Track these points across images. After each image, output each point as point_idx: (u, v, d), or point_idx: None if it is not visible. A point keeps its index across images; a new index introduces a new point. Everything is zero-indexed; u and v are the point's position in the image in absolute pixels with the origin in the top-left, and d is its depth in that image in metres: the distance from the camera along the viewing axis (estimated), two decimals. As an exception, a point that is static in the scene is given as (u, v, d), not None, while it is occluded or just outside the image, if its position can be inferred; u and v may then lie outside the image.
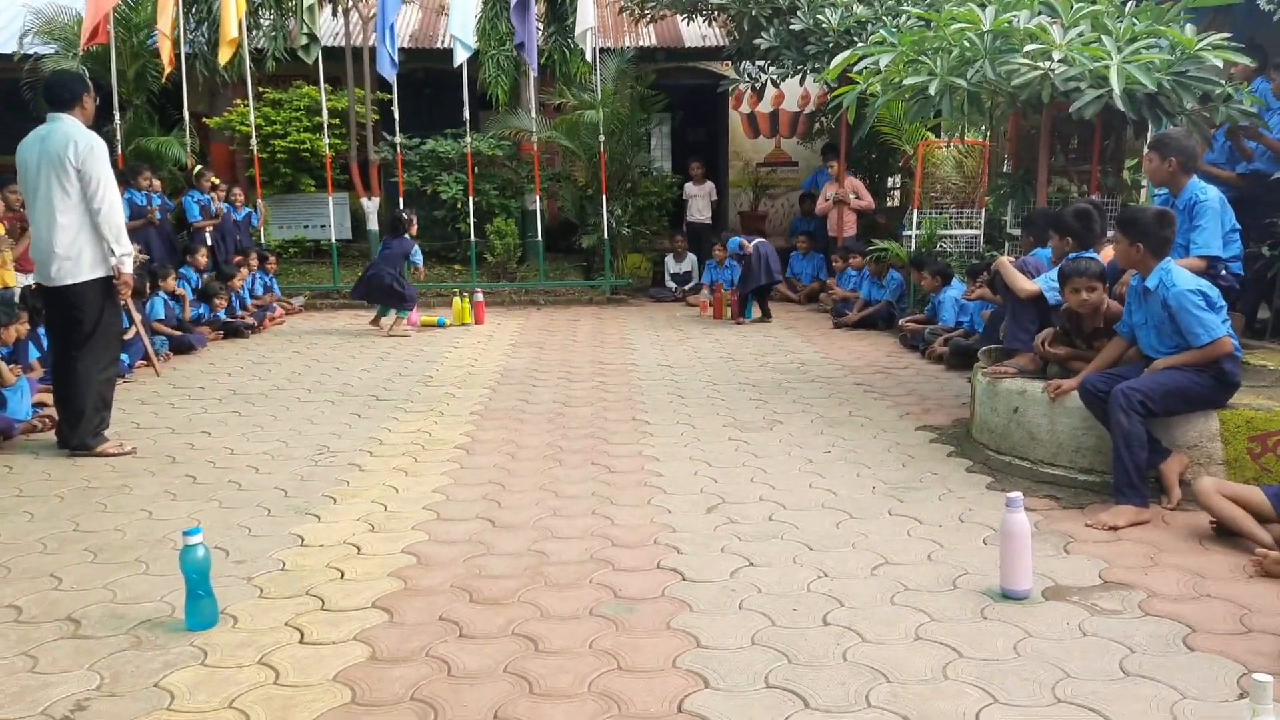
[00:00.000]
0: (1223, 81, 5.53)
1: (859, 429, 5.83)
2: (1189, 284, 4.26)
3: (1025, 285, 5.27)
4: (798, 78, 11.08)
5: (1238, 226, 4.95)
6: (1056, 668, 2.95)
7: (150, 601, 3.57)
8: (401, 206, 10.65)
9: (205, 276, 9.77)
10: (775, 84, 11.95)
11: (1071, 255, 4.92)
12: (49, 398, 6.47)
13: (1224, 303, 4.35)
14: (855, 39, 9.45)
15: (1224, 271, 4.82)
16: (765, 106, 15.07)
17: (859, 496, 4.60)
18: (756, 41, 10.77)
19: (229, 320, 9.82)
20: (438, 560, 3.93)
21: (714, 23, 12.94)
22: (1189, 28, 5.64)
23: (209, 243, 10.30)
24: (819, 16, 9.89)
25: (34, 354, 6.93)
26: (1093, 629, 3.21)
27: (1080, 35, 5.58)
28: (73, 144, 5.45)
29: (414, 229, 9.99)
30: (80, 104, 5.63)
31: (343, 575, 3.80)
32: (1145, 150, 4.96)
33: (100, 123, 9.34)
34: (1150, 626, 3.21)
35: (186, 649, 3.20)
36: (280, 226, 13.14)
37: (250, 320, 10.05)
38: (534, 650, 3.15)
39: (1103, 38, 5.41)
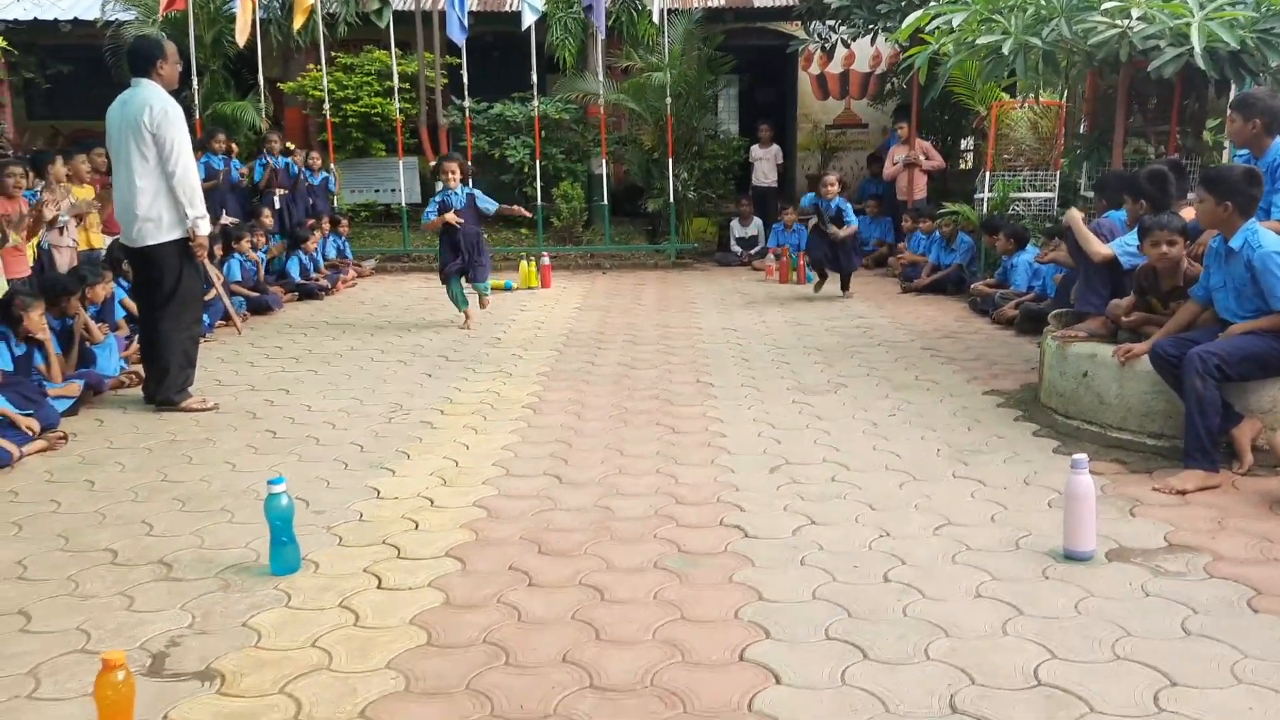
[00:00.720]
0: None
1: (925, 393, 5.82)
2: (1275, 245, 4.17)
3: (1098, 248, 5.20)
4: (869, 38, 10.92)
5: (1323, 189, 4.82)
6: (1117, 626, 2.97)
7: (236, 548, 3.75)
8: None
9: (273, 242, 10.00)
10: (845, 44, 11.79)
11: (1147, 217, 4.85)
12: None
13: (1305, 267, 4.25)
14: (928, -2, 9.28)
15: (1305, 236, 4.69)
16: (835, 67, 14.88)
17: (923, 459, 4.61)
18: (827, 0, 10.63)
19: (303, 282, 10.08)
20: (507, 514, 4.05)
21: (784, -18, 12.78)
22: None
23: (276, 205, 10.52)
24: (891, -26, 9.71)
25: (120, 313, 7.21)
26: (1155, 590, 3.21)
27: (1160, -9, 5.44)
28: (149, 109, 5.62)
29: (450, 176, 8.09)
30: (157, 69, 5.78)
31: (417, 526, 3.94)
32: (1228, 111, 4.82)
33: (178, 88, 9.58)
34: (1214, 589, 3.21)
35: (271, 592, 3.36)
36: (352, 190, 13.37)
37: (324, 282, 10.30)
38: (600, 600, 3.25)
39: (1183, -6, 5.27)
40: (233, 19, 12.06)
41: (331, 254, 11.20)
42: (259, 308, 9.00)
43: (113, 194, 5.99)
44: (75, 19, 13.86)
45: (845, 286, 9.29)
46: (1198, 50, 5.07)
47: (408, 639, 3.02)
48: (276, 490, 3.47)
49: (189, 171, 5.72)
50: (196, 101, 11.34)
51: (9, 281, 6.08)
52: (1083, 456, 3.44)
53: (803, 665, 2.80)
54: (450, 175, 8.02)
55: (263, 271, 9.51)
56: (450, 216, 7.89)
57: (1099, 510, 3.73)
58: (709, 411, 5.55)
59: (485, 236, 8.48)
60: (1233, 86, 5.47)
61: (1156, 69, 5.30)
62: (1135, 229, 5.00)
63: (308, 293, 9.98)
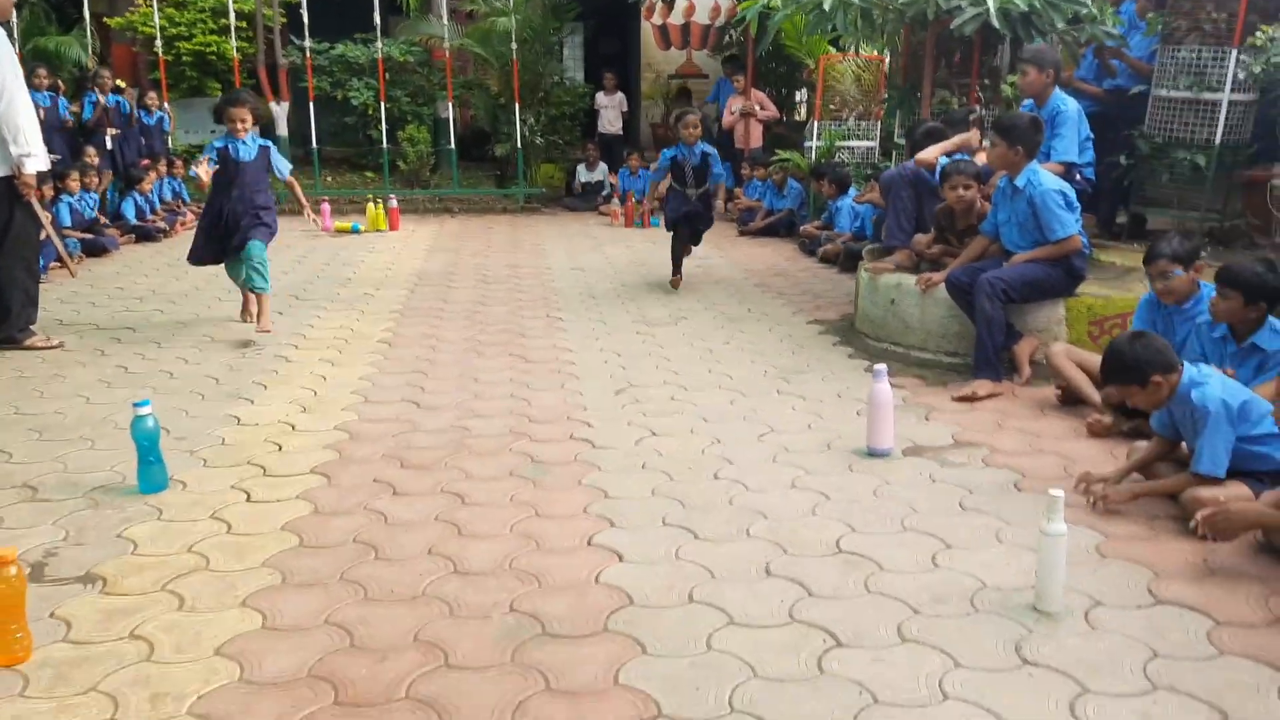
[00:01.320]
0: (1089, 3, 6.01)
1: (756, 324, 6.31)
2: (1053, 184, 4.78)
3: (925, 156, 5.67)
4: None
5: (1091, 136, 5.49)
6: (908, 506, 3.49)
7: (101, 471, 3.87)
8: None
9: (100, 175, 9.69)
10: (685, -4, 12.12)
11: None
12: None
13: (1079, 204, 4.89)
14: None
15: (1078, 177, 5.35)
16: (677, 19, 15.19)
17: (752, 379, 5.09)
18: (667, -48, 10.94)
19: (140, 224, 9.82)
20: (368, 435, 4.29)
21: (626, -69, 13.00)
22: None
23: (108, 145, 10.18)
24: (727, -72, 10.10)
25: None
26: (941, 477, 3.76)
27: (963, -44, 5.99)
28: None
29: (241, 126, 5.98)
30: None
31: (280, 448, 4.15)
32: (1020, 64, 5.41)
33: None
34: (989, 475, 3.78)
35: (142, 508, 3.53)
36: (186, 131, 12.95)
37: (161, 224, 10.06)
38: (461, 504, 3.57)
39: (982, -41, 5.83)
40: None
41: (168, 196, 10.91)
42: (95, 249, 8.76)
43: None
44: None
45: (696, 242, 7.43)
46: (993, 11, 5.65)
47: (281, 542, 3.26)
48: (143, 411, 3.62)
49: (11, 108, 5.55)
50: (15, 35, 10.75)
51: None
52: (882, 367, 3.95)
53: (642, 547, 3.20)
54: (240, 123, 5.83)
55: (99, 212, 9.23)
56: (203, 171, 5.67)
57: (900, 417, 4.30)
58: (558, 343, 5.88)
59: (274, 203, 6.22)
60: (1024, 44, 6.09)
61: (958, 26, 5.87)
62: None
63: (145, 234, 9.74)
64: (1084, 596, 2.86)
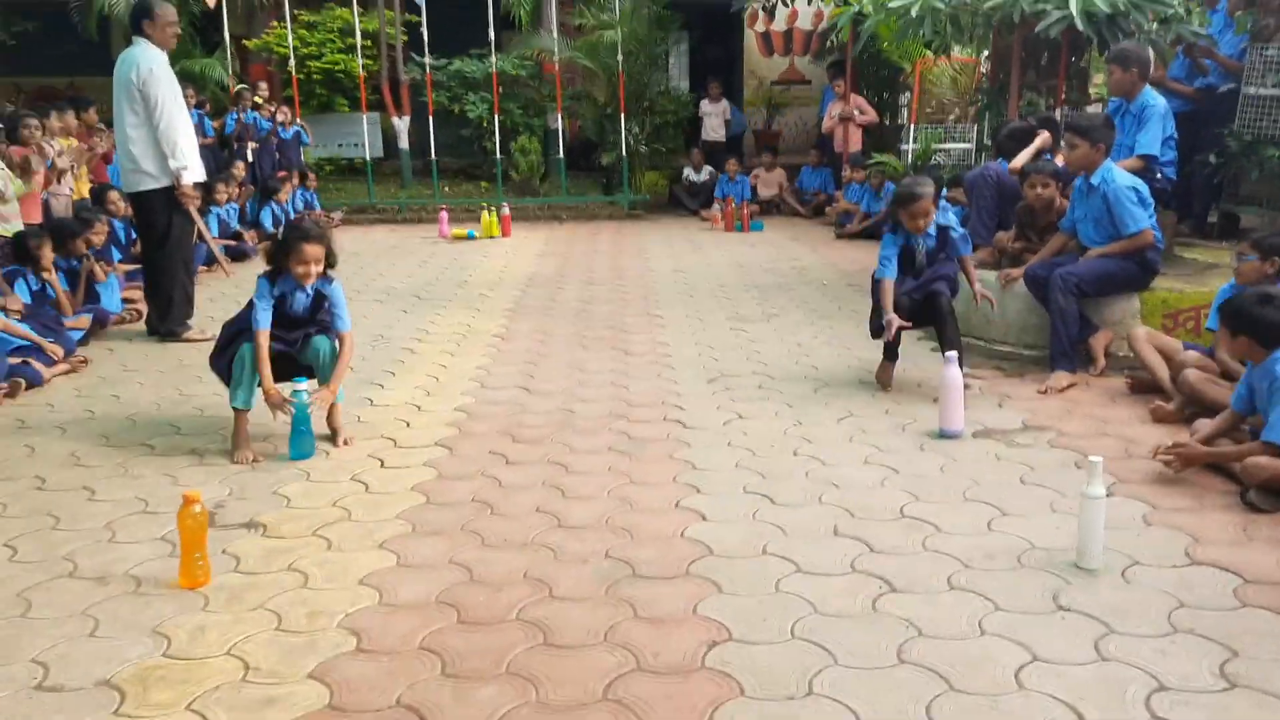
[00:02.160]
0: (1175, 3, 6.15)
1: (845, 320, 6.62)
2: (1126, 181, 5.00)
3: (1015, 165, 5.91)
4: (807, -1, 11.60)
5: (1174, 135, 5.64)
6: (971, 480, 3.80)
7: (257, 442, 4.43)
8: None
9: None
10: (786, 4, 12.44)
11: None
12: (135, 294, 7.40)
13: (1153, 200, 5.08)
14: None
15: (1159, 175, 5.52)
16: (779, 25, 15.53)
17: (836, 369, 5.42)
18: (768, -37, 11.30)
19: (276, 231, 10.64)
20: (484, 415, 4.79)
21: (729, -57, 13.39)
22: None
23: (249, 158, 11.06)
24: (827, -61, 10.40)
25: (117, 255, 7.79)
26: (1006, 456, 4.05)
27: (1049, -37, 6.21)
28: (136, 67, 6.15)
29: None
30: (144, 28, 6.26)
31: (408, 424, 4.68)
32: (1107, 64, 5.60)
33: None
34: (1052, 455, 4.05)
35: (293, 471, 4.09)
36: (316, 145, 13.85)
37: (296, 232, 10.86)
38: (565, 471, 4.02)
39: (1067, -34, 6.04)
40: (198, -22, 12.48)
41: (300, 206, 11.75)
42: (236, 255, 9.56)
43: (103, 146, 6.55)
44: (42, -23, 14.10)
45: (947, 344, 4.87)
46: (1076, 14, 5.85)
47: (410, 500, 3.77)
48: (300, 388, 4.18)
49: (172, 126, 6.21)
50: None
51: (28, 226, 6.64)
52: (953, 354, 4.26)
53: (723, 509, 3.60)
54: (312, 264, 4.32)
55: (239, 221, 10.07)
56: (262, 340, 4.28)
57: (976, 404, 4.60)
58: (657, 337, 6.31)
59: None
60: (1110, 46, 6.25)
61: (1044, 29, 6.08)
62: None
63: (281, 241, 10.55)
64: (1124, 556, 3.14)
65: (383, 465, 4.15)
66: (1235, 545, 3.22)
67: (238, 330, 4.42)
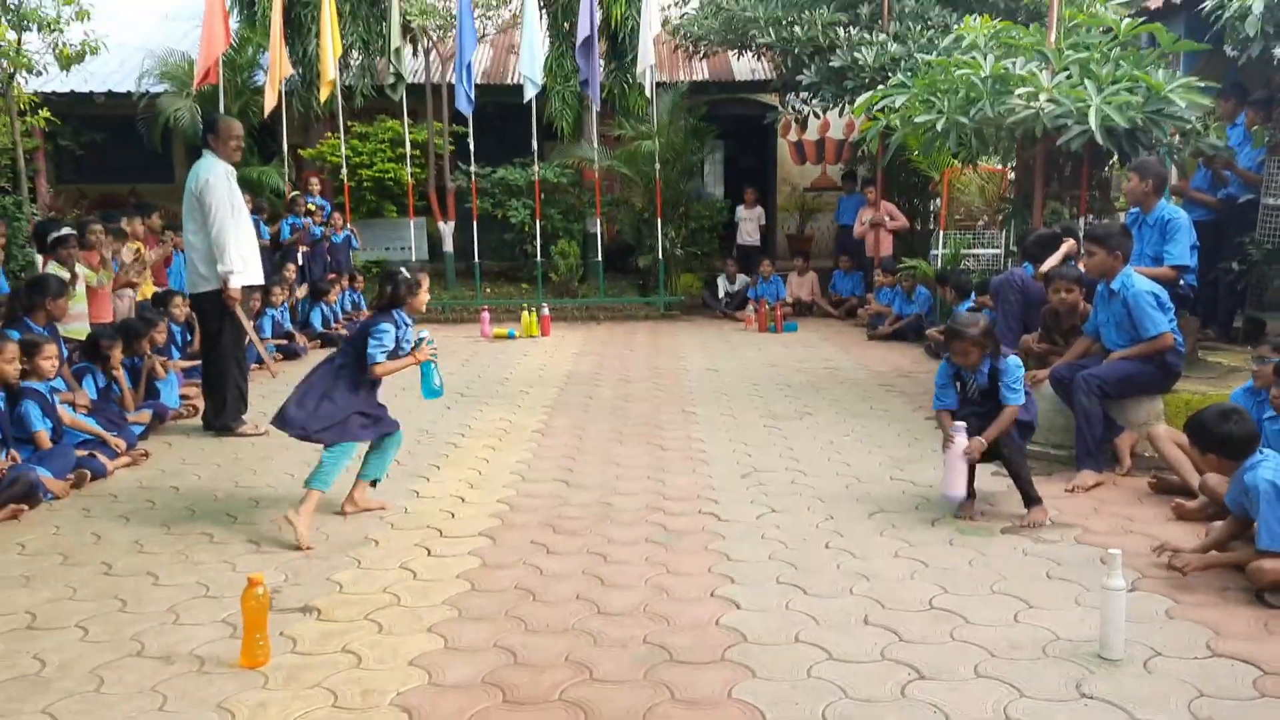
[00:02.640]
0: (1192, 119, 6.41)
1: (877, 419, 6.79)
2: (1146, 286, 5.19)
3: (1044, 270, 6.12)
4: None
5: (1197, 244, 5.84)
6: (998, 574, 3.92)
7: (311, 533, 4.65)
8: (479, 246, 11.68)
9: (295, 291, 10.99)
10: (817, 115, 12.92)
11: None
12: (190, 391, 7.73)
13: (1172, 306, 5.26)
14: (890, 74, 10.42)
15: (1182, 282, 5.70)
16: (811, 135, 16.03)
17: (868, 466, 5.57)
18: (799, 77, 11.79)
19: (325, 331, 11.04)
20: (526, 507, 4.98)
21: (761, 57, 13.98)
22: (1174, 72, 6.56)
23: (299, 261, 11.54)
24: (856, 54, 10.88)
25: (175, 354, 8.15)
26: (1033, 551, 4.17)
27: (1068, 77, 6.52)
28: (197, 177, 6.56)
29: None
30: (209, 141, 6.71)
31: (453, 515, 4.87)
32: (1127, 173, 5.86)
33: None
34: (1078, 551, 4.16)
35: (345, 559, 4.28)
36: (365, 249, 14.39)
37: (344, 331, 11.25)
38: (604, 561, 4.18)
39: (1085, 81, 6.34)
40: (258, 91, 13.22)
41: (348, 307, 12.18)
42: (288, 354, 9.94)
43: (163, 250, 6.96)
44: (110, 91, 14.96)
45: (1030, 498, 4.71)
46: (1095, 129, 6.12)
47: (456, 587, 3.94)
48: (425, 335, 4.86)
49: (223, 232, 6.55)
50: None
51: (92, 325, 7.03)
52: (961, 424, 4.41)
53: (757, 599, 3.74)
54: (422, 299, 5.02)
55: (290, 322, 10.47)
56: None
57: (1003, 501, 4.72)
58: (692, 434, 6.50)
59: None
60: (1132, 158, 6.51)
61: (1065, 142, 6.35)
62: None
63: (329, 341, 10.91)
64: (1146, 648, 3.24)
65: (429, 554, 4.34)
66: (1255, 639, 3.31)
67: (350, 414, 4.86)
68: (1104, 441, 5.14)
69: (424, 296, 5.04)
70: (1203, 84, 6.42)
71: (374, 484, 5.07)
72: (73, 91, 14.78)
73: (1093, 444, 5.08)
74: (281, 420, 4.79)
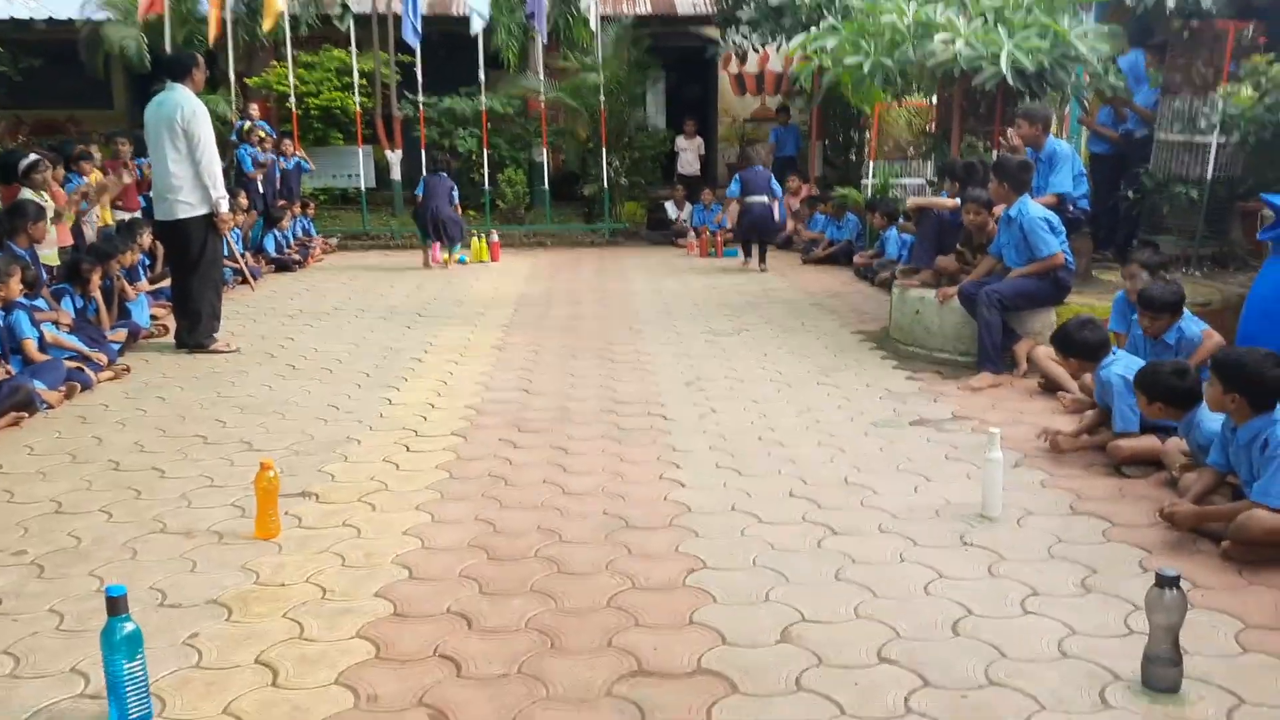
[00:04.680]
0: (1094, 60, 7.02)
1: (807, 334, 7.42)
2: (1038, 213, 5.84)
3: (943, 202, 6.81)
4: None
5: (1084, 172, 6.50)
6: (906, 457, 4.58)
7: (293, 434, 5.14)
8: (429, 155, 12.20)
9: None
10: (756, 49, 13.35)
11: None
12: (159, 311, 8.09)
13: (1063, 229, 5.92)
14: (825, 12, 10.90)
15: (1072, 207, 6.36)
16: (751, 67, 16.47)
17: (797, 373, 6.20)
18: (739, 13, 12.21)
19: (278, 256, 11.35)
20: (491, 411, 5.52)
21: (703, -8, 14.33)
22: (1081, 18, 7.16)
23: (260, 190, 11.79)
24: (793, -8, 11.33)
25: (142, 277, 8.48)
26: (935, 439, 4.84)
27: (984, 23, 7.08)
28: (180, 109, 6.89)
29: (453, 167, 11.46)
30: (190, 76, 7.07)
31: (425, 419, 5.40)
32: (1016, 119, 6.49)
33: (155, 81, 10.59)
34: (973, 438, 4.83)
35: (330, 455, 4.79)
36: (312, 176, 14.57)
37: (296, 257, 11.58)
38: (565, 453, 4.75)
39: (999, 27, 6.91)
40: (203, 20, 13.23)
41: (299, 233, 12.46)
42: (243, 277, 10.25)
43: (151, 177, 7.28)
44: (50, 18, 14.80)
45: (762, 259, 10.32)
46: (1005, 70, 6.70)
47: (436, 475, 4.48)
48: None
49: (213, 161, 6.99)
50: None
51: (61, 250, 7.34)
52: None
53: (699, 480, 4.35)
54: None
55: (240, 247, 10.76)
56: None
57: (916, 400, 5.40)
58: (640, 348, 7.07)
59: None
60: (1041, 96, 7.12)
61: (979, 83, 6.94)
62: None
63: (282, 265, 11.26)
64: (1021, 510, 3.91)
65: (408, 450, 4.87)
66: (1110, 501, 4.01)
67: None
68: (1004, 348, 5.82)
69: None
70: (1105, 29, 7.02)
71: None
72: (13, 19, 14.61)
73: (992, 350, 5.75)
74: None
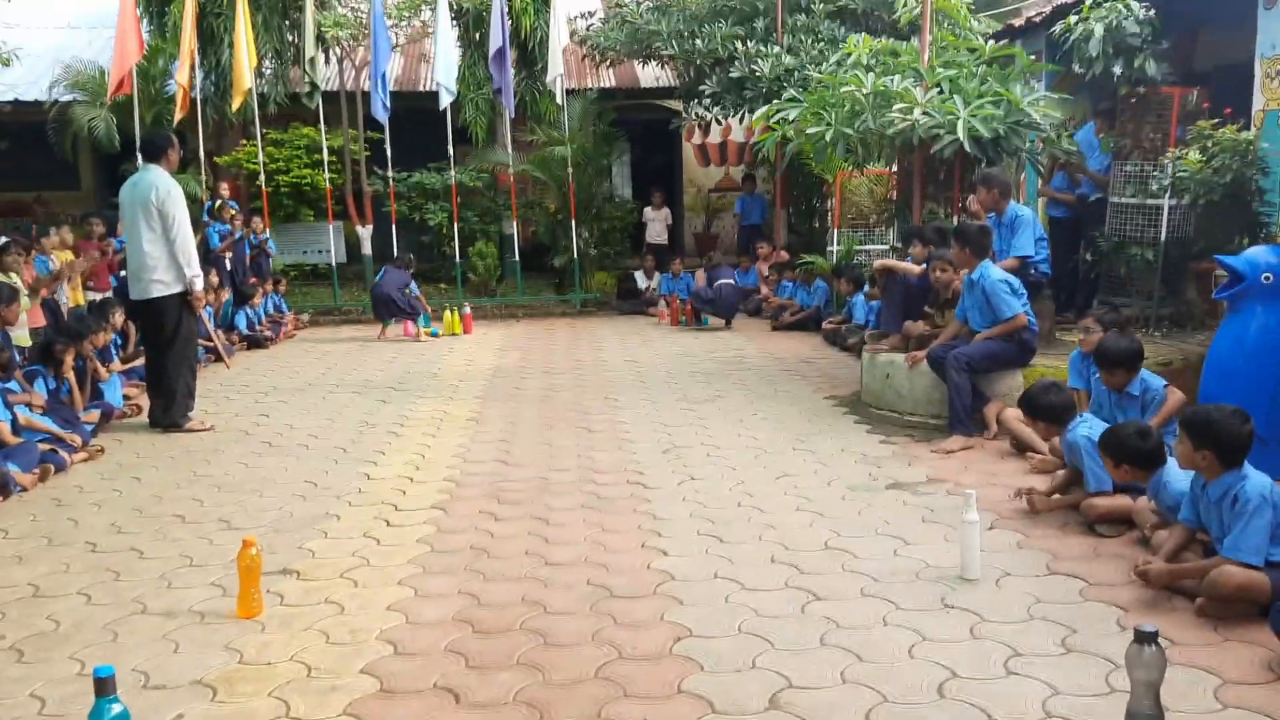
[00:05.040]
0: (1047, 128, 7.28)
1: (781, 399, 7.51)
2: (999, 276, 6.01)
3: (908, 266, 6.98)
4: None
5: (1045, 236, 6.70)
6: (884, 520, 4.64)
7: (272, 511, 5.13)
8: (399, 250, 12.59)
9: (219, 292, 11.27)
10: (719, 122, 13.66)
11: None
12: (131, 391, 8.05)
13: (1025, 292, 6.09)
14: (785, 84, 11.22)
15: (1034, 271, 6.54)
16: (714, 138, 16.83)
17: (773, 439, 6.27)
18: (701, 86, 12.53)
19: (250, 333, 11.34)
20: (470, 483, 5.53)
21: (665, 67, 14.69)
22: (1033, 86, 7.42)
23: (229, 267, 11.81)
24: (753, 66, 11.66)
25: (114, 356, 8.44)
26: (912, 502, 4.91)
27: (940, 93, 7.34)
28: (155, 189, 6.97)
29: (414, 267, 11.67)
30: (166, 156, 7.17)
31: (404, 493, 5.40)
32: (975, 184, 6.70)
33: (123, 161, 10.58)
34: (948, 500, 4.91)
35: (311, 531, 4.79)
36: (283, 252, 14.64)
37: (268, 333, 11.58)
38: (546, 524, 4.78)
39: (955, 96, 7.15)
40: (171, 99, 13.36)
41: (269, 309, 12.47)
42: (216, 355, 10.23)
43: (126, 257, 7.31)
44: (16, 99, 14.89)
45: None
46: (963, 139, 6.92)
47: (417, 549, 4.48)
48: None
49: (188, 240, 7.04)
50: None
51: (33, 330, 7.32)
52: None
53: (682, 547, 4.38)
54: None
55: (213, 324, 10.76)
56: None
57: (890, 463, 5.47)
58: (616, 417, 7.12)
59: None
60: (999, 163, 7.35)
61: (938, 151, 7.15)
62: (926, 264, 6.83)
63: (254, 342, 11.25)
64: (999, 570, 3.98)
65: (388, 524, 4.87)
66: (1086, 560, 4.08)
67: None
68: (974, 411, 5.93)
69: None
70: (1057, 97, 7.30)
71: None
72: (-21, 100, 14.70)
73: (963, 412, 5.86)
74: None
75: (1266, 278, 4.77)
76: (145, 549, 4.62)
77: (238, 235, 12.03)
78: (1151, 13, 7.46)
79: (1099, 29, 7.23)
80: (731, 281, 11.37)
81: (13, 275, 7.20)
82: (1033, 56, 7.58)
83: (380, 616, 3.76)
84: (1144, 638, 2.64)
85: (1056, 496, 4.62)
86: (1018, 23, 9.61)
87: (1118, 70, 7.28)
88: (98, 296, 8.95)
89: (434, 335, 11.79)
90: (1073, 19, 7.67)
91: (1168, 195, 7.10)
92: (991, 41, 7.70)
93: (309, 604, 3.91)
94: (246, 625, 3.73)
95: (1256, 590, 3.39)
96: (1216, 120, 6.92)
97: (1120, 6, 7.43)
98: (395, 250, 13.17)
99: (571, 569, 4.18)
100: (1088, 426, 4.46)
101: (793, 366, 8.96)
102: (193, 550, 4.57)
